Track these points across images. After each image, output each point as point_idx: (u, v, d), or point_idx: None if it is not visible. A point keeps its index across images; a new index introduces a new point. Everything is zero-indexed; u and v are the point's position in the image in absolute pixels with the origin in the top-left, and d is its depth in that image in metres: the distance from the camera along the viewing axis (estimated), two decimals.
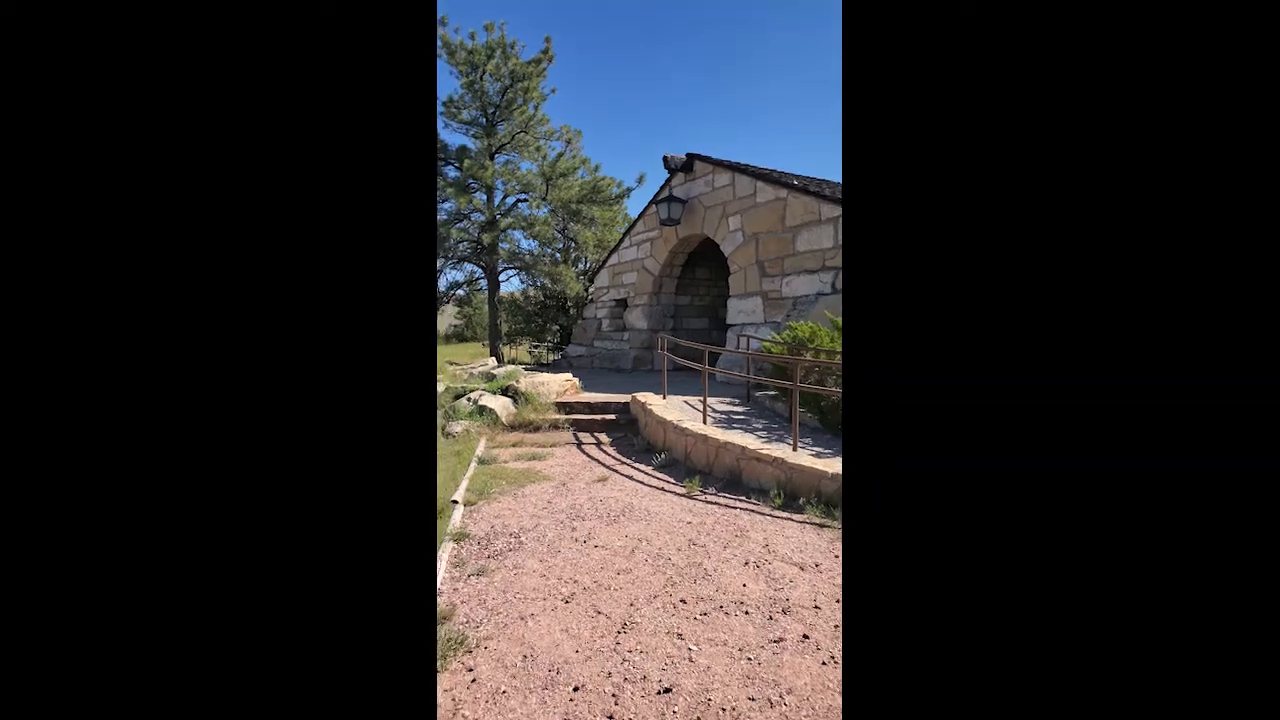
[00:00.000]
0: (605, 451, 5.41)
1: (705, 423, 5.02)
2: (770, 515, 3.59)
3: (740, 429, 5.12)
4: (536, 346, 16.16)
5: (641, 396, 6.24)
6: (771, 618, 2.34)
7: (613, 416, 6.27)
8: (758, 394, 6.44)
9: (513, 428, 6.19)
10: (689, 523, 3.47)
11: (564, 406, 6.63)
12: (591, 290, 13.31)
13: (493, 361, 10.89)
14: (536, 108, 13.35)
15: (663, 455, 4.96)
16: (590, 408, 6.56)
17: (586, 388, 7.69)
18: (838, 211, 7.50)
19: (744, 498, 3.97)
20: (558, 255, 15.52)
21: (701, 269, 11.79)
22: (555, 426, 6.17)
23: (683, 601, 2.49)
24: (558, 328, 15.78)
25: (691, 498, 3.99)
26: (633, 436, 5.93)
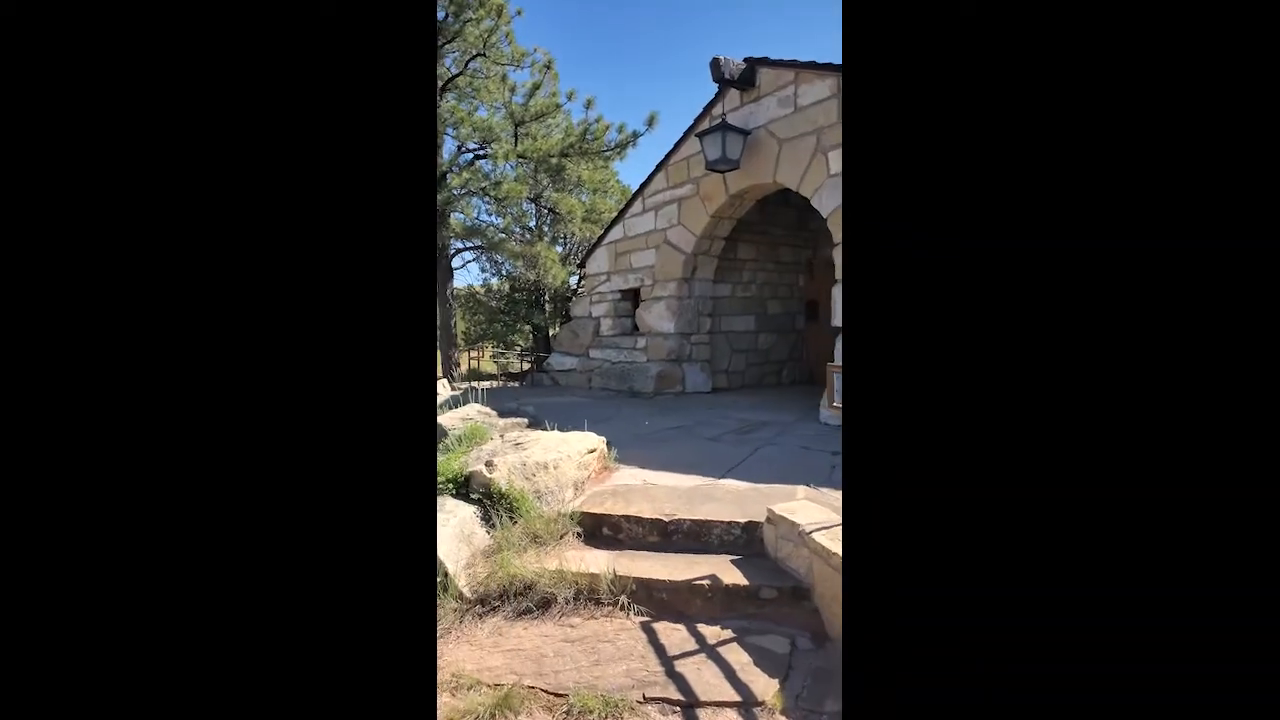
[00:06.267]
0: None
1: None
2: None
3: None
4: (502, 354, 12.24)
5: (804, 519, 2.61)
6: None
7: (730, 573, 2.60)
8: None
9: (485, 604, 2.49)
10: None
11: (599, 528, 2.94)
12: (582, 279, 9.53)
13: (444, 386, 7.06)
14: (497, 20, 9.47)
15: None
16: (664, 533, 2.88)
17: (623, 454, 4.00)
18: None
19: None
20: (529, 233, 11.62)
21: (745, 245, 8.18)
22: (593, 597, 2.49)
23: None
24: (530, 328, 11.92)
25: None
26: (811, 649, 2.29)
